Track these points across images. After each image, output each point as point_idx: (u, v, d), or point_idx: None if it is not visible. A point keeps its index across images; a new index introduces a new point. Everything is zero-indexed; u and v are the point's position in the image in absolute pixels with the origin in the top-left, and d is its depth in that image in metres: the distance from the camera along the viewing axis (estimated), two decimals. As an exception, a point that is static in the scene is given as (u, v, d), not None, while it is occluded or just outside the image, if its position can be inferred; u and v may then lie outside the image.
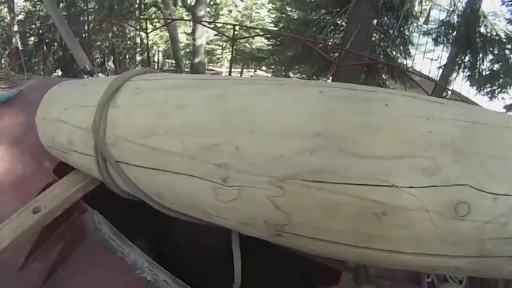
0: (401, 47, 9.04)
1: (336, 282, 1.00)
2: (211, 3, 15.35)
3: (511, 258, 0.55)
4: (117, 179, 0.85)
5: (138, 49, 14.91)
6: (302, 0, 10.45)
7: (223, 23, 14.09)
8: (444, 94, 7.93)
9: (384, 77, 9.11)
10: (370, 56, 7.88)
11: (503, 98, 9.33)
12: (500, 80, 9.00)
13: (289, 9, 12.28)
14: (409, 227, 0.53)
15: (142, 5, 13.38)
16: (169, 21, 10.07)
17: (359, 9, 7.63)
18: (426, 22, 10.99)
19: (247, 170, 0.61)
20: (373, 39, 8.69)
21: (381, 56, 8.76)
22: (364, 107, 0.60)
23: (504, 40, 8.63)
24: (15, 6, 12.67)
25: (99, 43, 13.22)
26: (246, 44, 15.15)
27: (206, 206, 0.69)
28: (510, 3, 9.71)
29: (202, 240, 1.65)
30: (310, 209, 0.58)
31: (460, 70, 9.53)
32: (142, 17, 12.52)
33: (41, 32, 9.75)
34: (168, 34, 12.41)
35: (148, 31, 9.48)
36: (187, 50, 15.31)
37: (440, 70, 9.77)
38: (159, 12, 12.37)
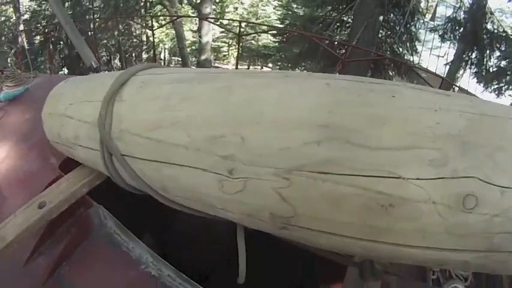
0: (407, 44, 8.97)
1: (341, 278, 1.00)
2: (217, 0, 15.33)
3: None
4: (123, 172, 0.85)
5: (144, 47, 14.95)
6: (308, -3, 10.41)
7: (229, 20, 14.06)
8: (451, 91, 7.86)
9: (391, 74, 9.05)
10: (376, 51, 7.82)
11: (510, 95, 9.24)
12: (508, 76, 8.93)
13: (295, 6, 12.23)
14: (416, 219, 0.53)
15: (148, 3, 13.39)
16: (175, 18, 10.07)
17: (365, 6, 7.58)
18: (433, 19, 10.90)
19: (253, 161, 0.61)
20: (380, 35, 8.64)
21: (388, 53, 8.70)
22: (371, 98, 0.59)
23: (511, 37, 8.54)
24: (21, 6, 12.78)
25: (105, 41, 13.27)
26: (252, 41, 15.12)
27: (211, 198, 0.68)
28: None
29: (207, 235, 1.66)
30: (316, 200, 0.57)
31: (467, 67, 9.46)
32: (148, 14, 12.53)
33: (46, 31, 9.80)
34: (174, 32, 12.42)
35: (154, 28, 9.47)
36: (194, 47, 15.29)
37: (447, 67, 9.70)
38: (165, 10, 12.36)
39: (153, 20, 10.43)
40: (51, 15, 12.04)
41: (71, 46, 10.63)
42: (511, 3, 10.40)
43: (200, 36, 11.58)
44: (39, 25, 12.33)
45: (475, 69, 9.27)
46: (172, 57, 17.19)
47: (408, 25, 8.80)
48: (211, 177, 0.66)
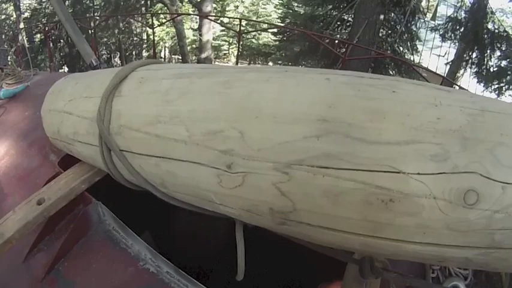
0: (408, 43, 8.96)
1: (340, 276, 0.99)
2: (218, -1, 15.33)
3: None
4: (122, 168, 0.84)
5: (145, 45, 14.95)
6: (309, -5, 10.39)
7: (230, 17, 14.05)
8: (451, 90, 7.82)
9: (391, 73, 9.03)
10: (377, 50, 7.80)
11: (510, 95, 9.23)
12: (508, 76, 8.90)
13: (295, 4, 12.21)
14: (416, 214, 0.52)
15: (149, 1, 13.38)
16: (175, 16, 10.05)
17: (366, 5, 7.56)
18: (433, 18, 10.86)
19: (252, 156, 0.60)
20: (380, 34, 8.62)
21: (388, 52, 8.68)
22: (371, 93, 0.59)
23: (512, 36, 8.54)
24: (21, 4, 12.78)
25: (105, 39, 13.27)
26: (253, 40, 15.11)
27: (210, 193, 0.68)
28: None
29: (207, 233, 1.65)
30: (315, 195, 0.56)
31: (468, 66, 9.45)
32: (148, 13, 12.52)
33: (46, 29, 9.80)
34: (174, 30, 12.40)
35: (154, 26, 9.46)
36: (194, 45, 15.28)
37: (448, 66, 9.68)
38: (165, 8, 12.35)
39: (154, 18, 10.42)
40: (51, 14, 12.04)
41: (71, 44, 10.64)
42: (512, 3, 10.38)
43: (201, 35, 11.56)
44: (39, 23, 12.32)
45: (476, 69, 9.25)
46: (173, 56, 17.17)
47: (409, 24, 8.79)
48: (210, 172, 0.65)
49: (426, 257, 0.57)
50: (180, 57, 13.28)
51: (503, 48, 8.73)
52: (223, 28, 14.95)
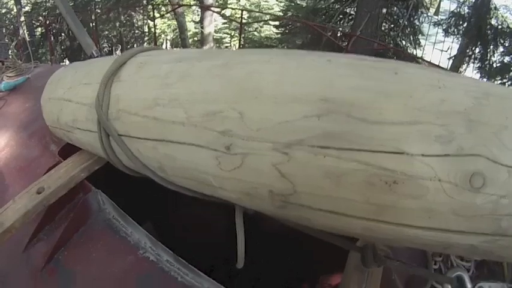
0: (411, 37, 8.93)
1: (340, 268, 0.99)
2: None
3: None
4: (120, 154, 0.83)
5: (146, 38, 14.90)
6: (311, -12, 10.36)
7: (232, 8, 13.96)
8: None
9: (394, 66, 8.98)
10: (380, 42, 7.77)
11: (513, 91, 9.19)
12: (511, 72, 8.88)
13: (298, -3, 12.16)
14: (421, 197, 0.51)
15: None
16: (176, 6, 10.02)
17: (368, -2, 7.53)
18: (436, 13, 10.82)
19: (251, 136, 0.59)
20: (383, 28, 8.59)
21: (391, 45, 8.65)
22: (373, 74, 0.57)
23: (515, 33, 8.52)
24: (22, -2, 12.78)
25: (106, 33, 13.25)
26: (255, 33, 15.02)
27: (208, 177, 0.67)
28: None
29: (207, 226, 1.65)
30: (316, 176, 0.55)
31: (470, 61, 9.42)
32: (149, 4, 12.46)
33: (47, 22, 9.78)
34: (176, 23, 12.37)
35: (155, 18, 9.44)
36: (196, 38, 15.22)
37: (451, 61, 9.65)
38: (167, 0, 12.29)
39: (155, 10, 10.39)
40: (52, 7, 12.02)
41: (72, 37, 10.63)
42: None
43: (202, 27, 11.52)
44: (40, 17, 12.31)
45: (479, 64, 9.23)
46: (174, 49, 17.12)
47: (412, 18, 8.75)
48: (208, 154, 0.64)
49: (431, 243, 0.56)
50: (182, 50, 13.20)
51: (507, 44, 8.73)
52: (225, 21, 14.89)
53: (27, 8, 13.44)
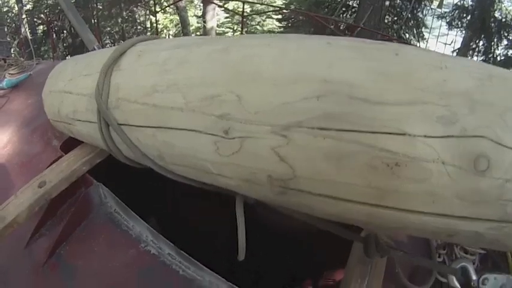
0: (414, 30, 8.87)
1: (342, 264, 0.98)
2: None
3: None
4: (120, 143, 0.83)
5: (148, 33, 14.85)
6: (314, -19, 10.27)
7: (234, 0, 13.91)
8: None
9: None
10: (383, 33, 7.71)
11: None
12: (515, 65, 8.81)
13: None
14: (424, 180, 0.49)
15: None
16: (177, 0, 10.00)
17: (371, -10, 7.47)
18: (440, 6, 10.74)
19: (249, 119, 0.58)
20: (386, 21, 8.54)
21: (394, 38, 8.59)
22: (374, 55, 0.56)
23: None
24: (23, -4, 12.78)
25: (108, 29, 13.24)
26: (257, 27, 14.94)
27: (207, 163, 0.66)
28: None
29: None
30: (316, 159, 0.54)
31: (474, 55, 9.35)
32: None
33: (49, 20, 9.79)
34: (178, 18, 12.34)
35: (157, 11, 9.41)
36: (198, 33, 15.17)
37: (454, 54, 9.58)
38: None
39: (157, 5, 10.36)
40: (53, 5, 12.02)
41: (74, 35, 10.64)
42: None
43: (205, 22, 11.50)
44: (41, 15, 12.32)
45: (482, 57, 9.15)
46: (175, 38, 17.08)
47: (415, 11, 8.69)
48: (206, 140, 0.63)
49: (435, 230, 0.54)
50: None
51: (511, 37, 8.64)
52: (228, 15, 14.83)
53: (28, 6, 13.45)
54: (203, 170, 0.68)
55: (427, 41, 9.93)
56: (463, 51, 9.31)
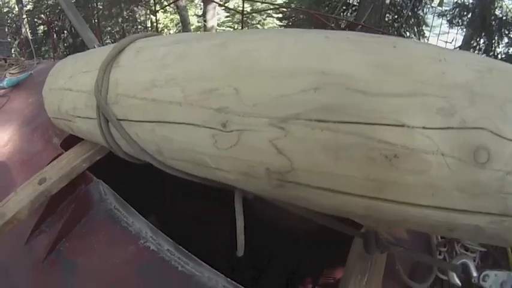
0: (415, 28, 8.85)
1: (342, 262, 0.98)
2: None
3: None
4: (119, 139, 0.83)
5: (149, 33, 14.82)
6: (314, -20, 10.25)
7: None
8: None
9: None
10: (384, 31, 7.69)
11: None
12: (516, 64, 8.79)
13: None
14: (423, 172, 0.49)
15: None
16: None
17: (372, -12, 7.46)
18: (440, 4, 10.72)
19: (247, 112, 0.58)
20: (386, 19, 8.52)
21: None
22: (372, 48, 0.56)
23: (520, 24, 8.43)
24: (23, -3, 12.78)
25: (109, 29, 13.24)
26: (258, 25, 14.93)
27: (205, 157, 0.66)
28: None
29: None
30: (314, 151, 0.53)
31: (475, 53, 9.33)
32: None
33: (49, 20, 9.79)
34: (178, 17, 12.32)
35: (156, 10, 9.41)
36: (199, 32, 15.19)
37: (455, 52, 9.57)
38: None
39: (157, 5, 10.36)
40: (53, 5, 12.02)
41: (75, 35, 10.64)
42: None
43: (205, 21, 11.48)
44: (42, 15, 12.33)
45: (483, 55, 9.14)
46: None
47: (415, 9, 8.67)
48: (205, 133, 0.63)
49: (435, 224, 0.54)
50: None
51: (511, 35, 8.62)
52: (228, 14, 14.82)
53: (28, 7, 13.46)
54: (201, 164, 0.68)
55: (427, 39, 9.91)
56: (464, 49, 9.28)
